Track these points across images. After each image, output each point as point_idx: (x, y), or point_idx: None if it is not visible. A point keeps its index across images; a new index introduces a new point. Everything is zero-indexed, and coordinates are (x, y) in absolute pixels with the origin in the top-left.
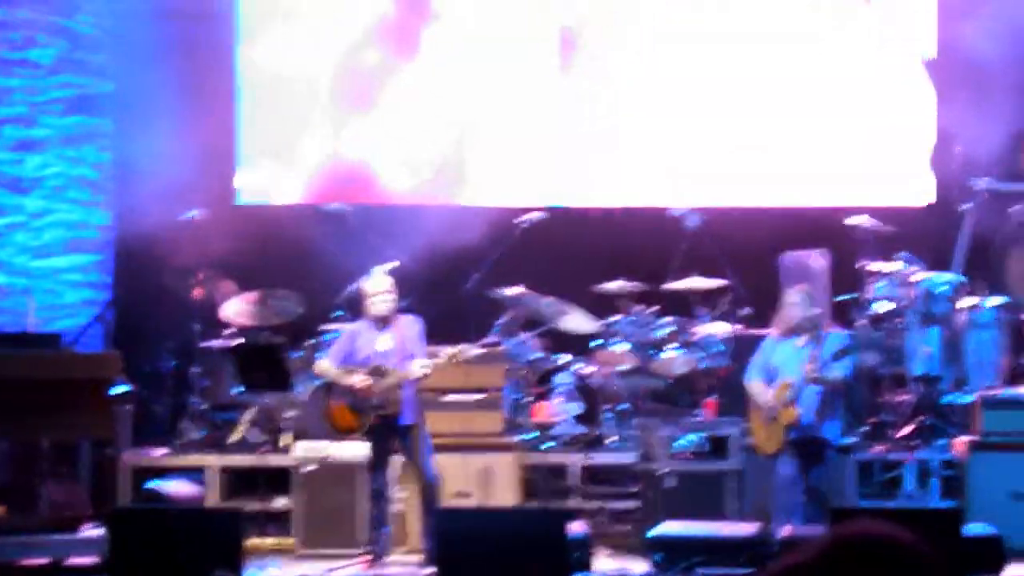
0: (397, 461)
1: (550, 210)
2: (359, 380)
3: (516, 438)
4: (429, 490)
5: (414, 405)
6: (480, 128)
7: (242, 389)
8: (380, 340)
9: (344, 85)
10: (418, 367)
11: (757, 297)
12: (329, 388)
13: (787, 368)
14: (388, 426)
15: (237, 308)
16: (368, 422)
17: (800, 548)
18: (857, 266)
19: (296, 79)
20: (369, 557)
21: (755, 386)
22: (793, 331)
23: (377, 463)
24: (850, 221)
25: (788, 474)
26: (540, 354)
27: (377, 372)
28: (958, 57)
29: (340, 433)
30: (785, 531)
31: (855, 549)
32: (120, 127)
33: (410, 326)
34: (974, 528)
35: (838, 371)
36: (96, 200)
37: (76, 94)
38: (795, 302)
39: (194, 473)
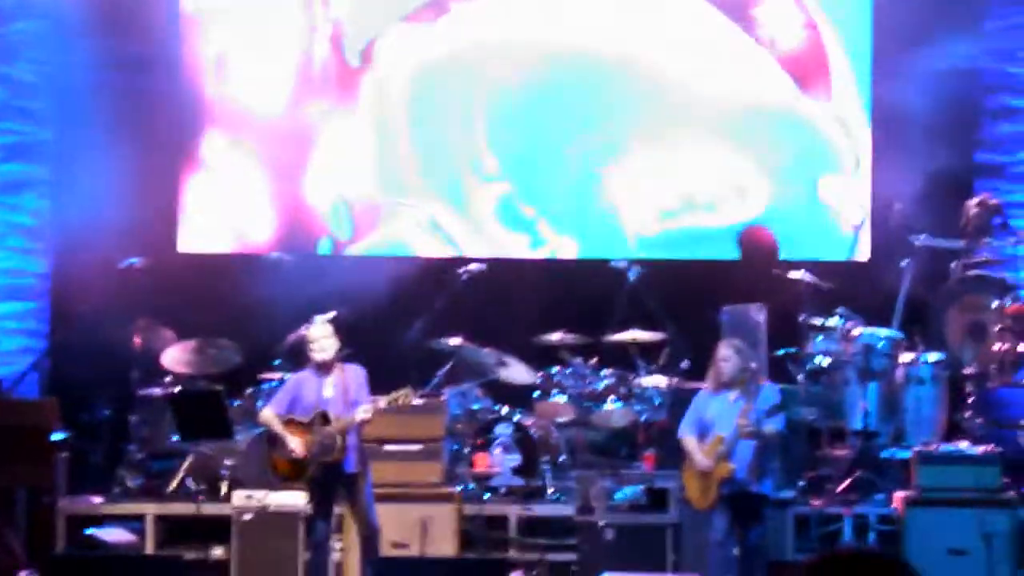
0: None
1: (489, 261)
2: (296, 446)
3: (455, 488)
4: (370, 539)
5: (359, 453)
6: (418, 177)
7: (179, 437)
8: (324, 387)
9: (283, 133)
10: (361, 412)
11: (696, 350)
12: (271, 437)
13: (720, 423)
14: (332, 474)
15: (176, 356)
16: (311, 471)
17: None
18: (797, 320)
19: (237, 127)
20: None
21: (688, 441)
22: (726, 385)
23: (319, 512)
24: (790, 275)
25: (722, 529)
26: (479, 405)
27: (320, 419)
28: (894, 112)
29: (282, 481)
30: None
31: (840, 562)
32: (58, 175)
33: (354, 374)
34: None
35: (772, 425)
36: (33, 247)
37: (15, 141)
38: (727, 356)
39: (131, 521)
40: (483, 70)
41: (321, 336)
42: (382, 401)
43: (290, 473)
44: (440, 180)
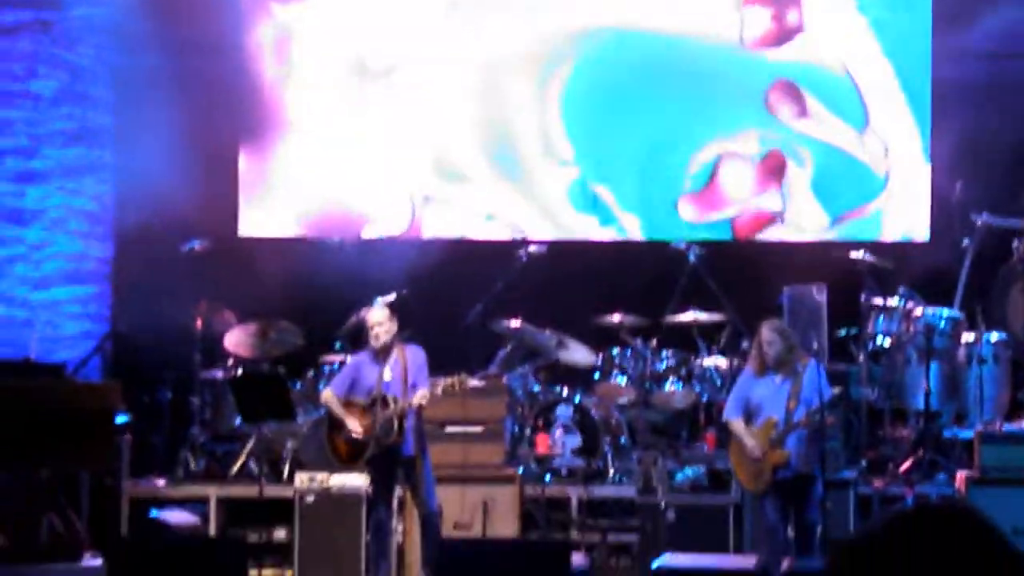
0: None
1: (548, 243)
2: (356, 426)
3: (516, 470)
4: (430, 521)
5: (417, 436)
6: (482, 163)
7: (241, 420)
8: (383, 370)
9: (344, 118)
10: (419, 396)
11: (756, 331)
12: (331, 419)
13: (768, 405)
14: (390, 457)
15: (237, 339)
16: (370, 453)
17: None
18: (858, 300)
19: (296, 111)
20: None
21: (736, 424)
22: (770, 368)
23: (379, 495)
24: (851, 255)
25: (774, 515)
26: (540, 386)
27: (379, 402)
28: (955, 89)
29: (342, 463)
30: (785, 563)
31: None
32: (119, 159)
33: (413, 356)
34: None
35: (828, 414)
36: (95, 232)
37: (77, 126)
38: (771, 339)
39: (194, 504)
40: (552, 55)
41: (378, 321)
42: (439, 387)
43: (350, 455)
44: (506, 165)
